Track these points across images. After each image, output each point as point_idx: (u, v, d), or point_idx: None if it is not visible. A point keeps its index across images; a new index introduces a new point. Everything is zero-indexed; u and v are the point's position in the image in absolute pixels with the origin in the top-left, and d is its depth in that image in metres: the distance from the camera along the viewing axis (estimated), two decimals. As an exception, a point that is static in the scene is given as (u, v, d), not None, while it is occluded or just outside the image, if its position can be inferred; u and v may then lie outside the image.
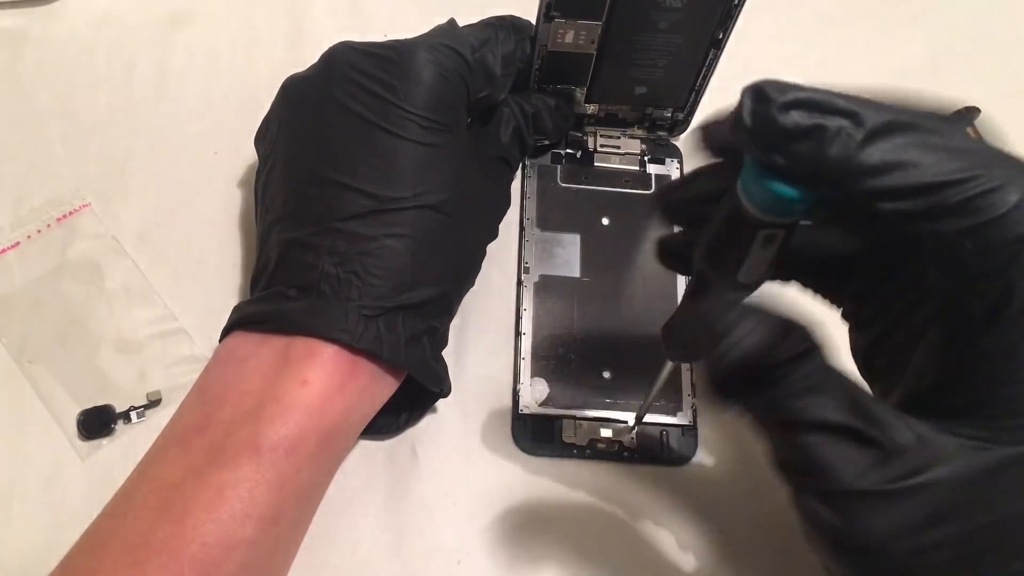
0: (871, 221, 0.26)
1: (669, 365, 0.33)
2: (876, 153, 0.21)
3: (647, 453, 0.39)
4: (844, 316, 0.31)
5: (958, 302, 0.24)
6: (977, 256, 0.22)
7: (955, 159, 0.21)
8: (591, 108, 0.44)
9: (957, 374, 0.25)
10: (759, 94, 0.22)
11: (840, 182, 0.22)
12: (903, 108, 0.22)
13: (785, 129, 0.21)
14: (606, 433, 0.39)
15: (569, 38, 0.39)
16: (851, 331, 0.30)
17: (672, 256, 0.32)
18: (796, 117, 0.21)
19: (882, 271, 0.29)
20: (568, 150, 0.46)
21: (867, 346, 0.29)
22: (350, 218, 0.33)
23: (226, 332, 0.35)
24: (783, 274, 0.31)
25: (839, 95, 0.22)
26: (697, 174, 0.30)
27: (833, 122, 0.21)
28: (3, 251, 0.41)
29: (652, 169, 0.46)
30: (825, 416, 0.24)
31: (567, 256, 0.43)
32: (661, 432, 0.39)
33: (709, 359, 0.25)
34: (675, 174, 0.46)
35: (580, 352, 0.41)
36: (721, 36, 0.39)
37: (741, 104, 0.22)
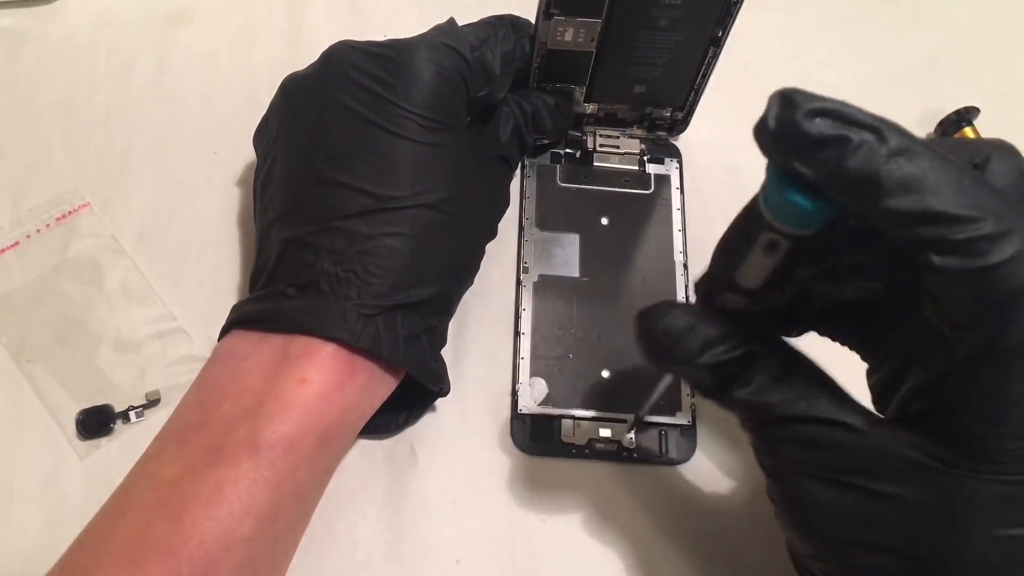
0: (875, 243, 0.27)
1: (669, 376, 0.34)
2: (897, 171, 0.22)
3: (646, 453, 0.39)
4: (863, 359, 0.31)
5: (944, 341, 0.24)
6: (967, 300, 0.22)
7: (967, 195, 0.22)
8: (590, 107, 0.44)
9: (933, 409, 0.25)
10: (786, 100, 0.22)
11: (858, 195, 0.22)
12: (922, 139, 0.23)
13: (809, 136, 0.22)
14: (605, 433, 0.39)
15: (568, 36, 0.39)
16: (868, 375, 0.31)
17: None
18: (821, 125, 0.22)
19: (892, 316, 0.29)
20: (567, 150, 0.46)
21: (878, 389, 0.30)
22: (349, 217, 0.33)
23: (225, 331, 0.35)
24: (799, 328, 0.31)
25: (864, 111, 0.22)
26: None
27: (857, 135, 0.22)
28: (2, 251, 0.41)
29: (651, 169, 0.46)
30: (785, 412, 0.27)
31: (566, 256, 0.43)
32: (660, 432, 0.39)
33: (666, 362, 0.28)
34: (674, 174, 0.46)
35: (579, 352, 0.41)
36: (720, 34, 0.39)
37: (768, 109, 0.22)
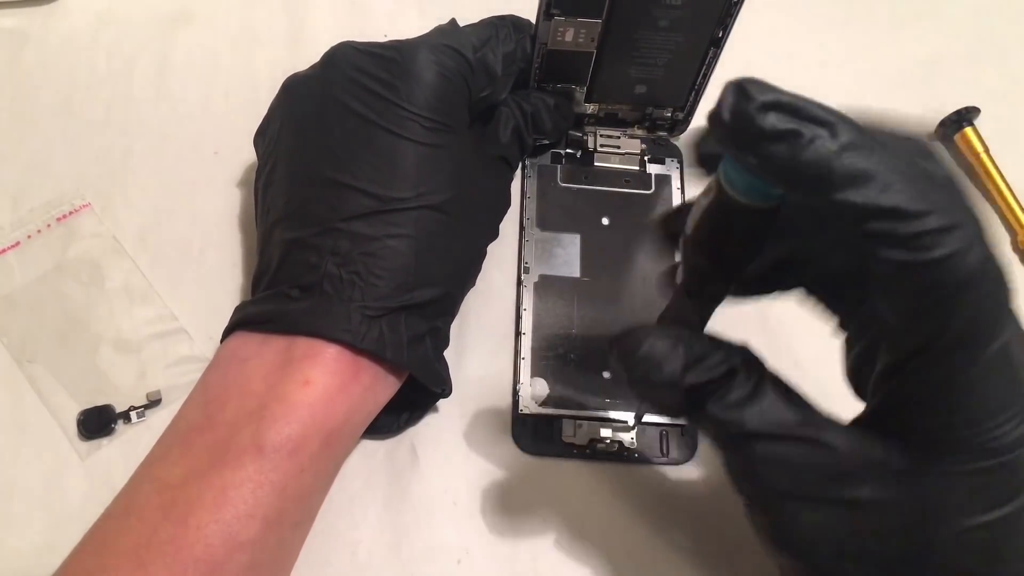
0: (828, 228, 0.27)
1: None
2: (848, 166, 0.22)
3: (647, 453, 0.39)
4: (839, 328, 0.31)
5: (896, 332, 0.24)
6: (913, 293, 0.23)
7: (916, 190, 0.22)
8: (591, 107, 0.44)
9: (895, 400, 0.26)
10: (740, 91, 0.22)
11: (809, 188, 0.22)
12: (876, 129, 0.23)
13: (762, 129, 0.22)
14: (606, 433, 0.39)
15: (569, 36, 0.39)
16: (844, 347, 0.31)
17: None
18: (774, 119, 0.22)
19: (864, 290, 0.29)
20: (568, 150, 0.46)
21: (852, 363, 0.30)
22: (352, 218, 0.33)
23: (228, 332, 0.35)
24: (791, 281, 0.31)
25: (818, 104, 0.22)
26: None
27: (809, 130, 0.22)
28: (3, 251, 0.41)
29: (652, 169, 0.46)
30: (758, 427, 0.26)
31: (567, 256, 0.43)
32: (661, 432, 0.39)
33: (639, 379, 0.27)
34: (675, 174, 0.46)
35: (580, 352, 0.41)
36: (721, 34, 0.39)
37: (722, 99, 0.22)
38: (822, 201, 0.22)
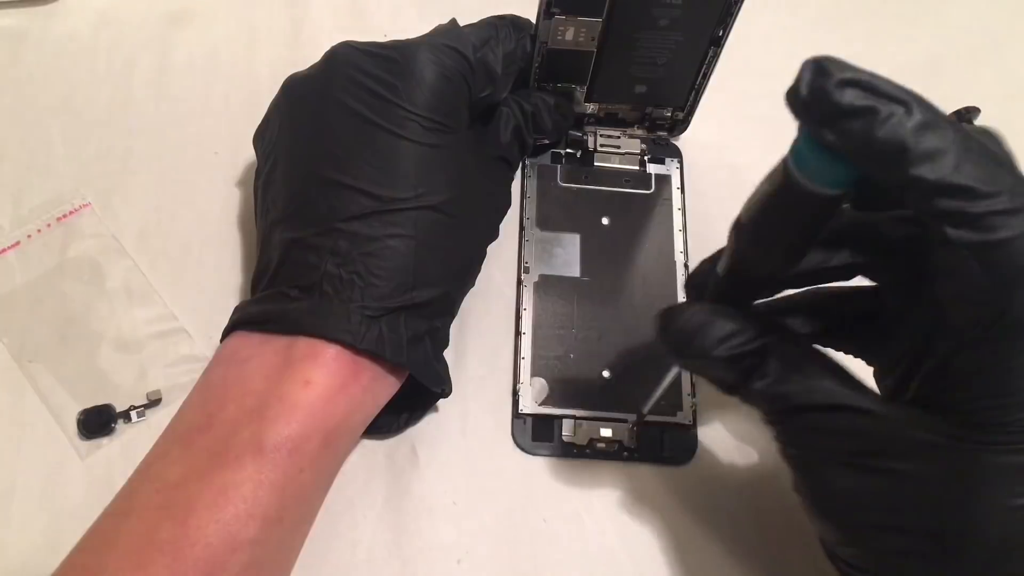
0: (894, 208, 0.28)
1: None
2: (922, 143, 0.22)
3: (647, 452, 0.39)
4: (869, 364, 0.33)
5: (952, 320, 0.25)
6: (977, 274, 0.23)
7: (986, 171, 0.22)
8: (591, 107, 0.44)
9: (943, 382, 0.26)
10: (819, 68, 0.23)
11: (883, 164, 0.23)
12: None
13: (840, 106, 0.22)
14: (606, 432, 0.39)
15: (569, 35, 0.39)
16: (876, 378, 0.32)
17: (698, 287, 0.33)
18: (851, 95, 0.22)
19: (892, 319, 0.30)
20: (568, 150, 0.46)
21: (890, 392, 0.31)
22: (352, 218, 0.33)
23: (228, 332, 0.35)
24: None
25: (893, 83, 0.23)
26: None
27: (886, 107, 0.22)
28: (3, 250, 0.41)
29: (652, 169, 0.46)
30: (803, 400, 0.28)
31: (567, 256, 0.43)
32: (660, 432, 0.39)
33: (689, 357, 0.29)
34: (675, 174, 0.46)
35: (580, 352, 0.41)
36: (721, 34, 0.39)
37: (800, 76, 0.23)
38: (896, 177, 0.23)
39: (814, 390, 0.28)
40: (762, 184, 0.27)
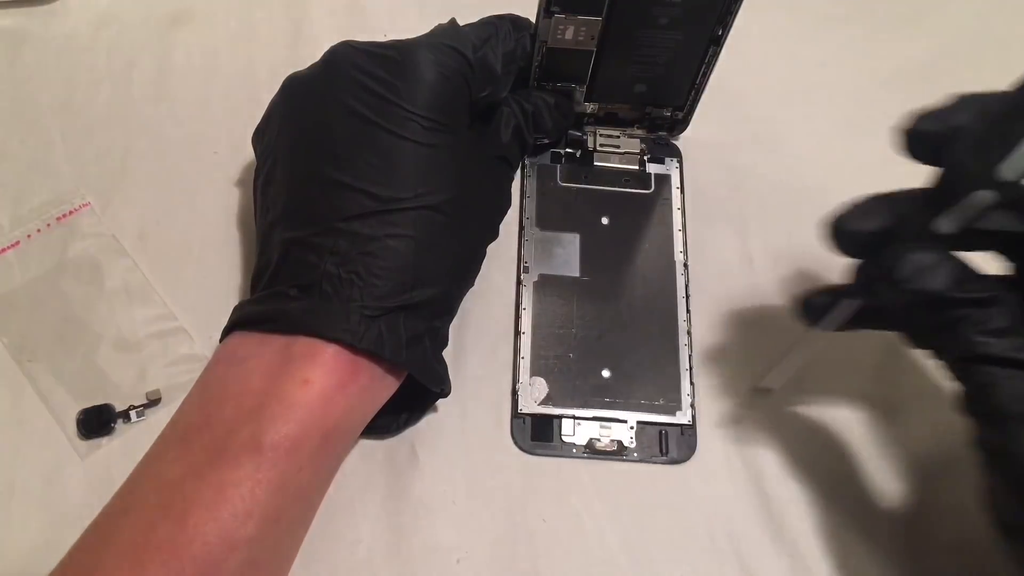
0: None
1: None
2: None
3: (646, 452, 0.39)
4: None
5: None
6: None
7: None
8: (591, 107, 0.44)
9: None
10: None
11: None
12: None
13: None
14: (605, 432, 0.39)
15: (569, 34, 0.39)
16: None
17: (817, 311, 0.33)
18: None
19: None
20: (568, 149, 0.46)
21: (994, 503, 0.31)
22: (352, 218, 0.33)
23: (227, 332, 0.35)
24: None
25: None
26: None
27: None
28: (3, 250, 0.41)
29: (652, 168, 0.46)
30: (1003, 353, 0.28)
31: (566, 255, 0.43)
32: (660, 432, 0.39)
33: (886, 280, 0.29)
34: (675, 174, 0.46)
35: (579, 351, 0.41)
36: (720, 33, 0.39)
37: None
38: None
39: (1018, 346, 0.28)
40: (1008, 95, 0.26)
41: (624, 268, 0.43)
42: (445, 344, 0.37)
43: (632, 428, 0.39)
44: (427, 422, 0.39)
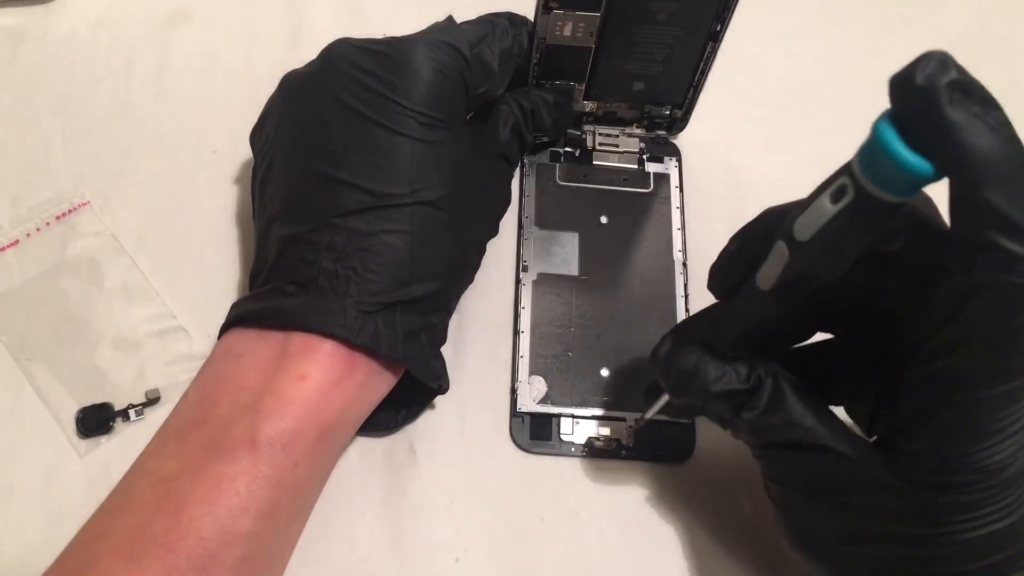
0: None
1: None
2: (1007, 165, 0.22)
3: (645, 451, 0.39)
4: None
5: (937, 356, 0.25)
6: (986, 316, 0.24)
7: None
8: (590, 106, 0.44)
9: (903, 423, 0.27)
10: (941, 63, 0.22)
11: (963, 174, 0.22)
12: None
13: (948, 106, 0.22)
14: (604, 431, 0.39)
15: (567, 31, 0.39)
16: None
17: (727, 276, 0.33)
18: (963, 99, 0.22)
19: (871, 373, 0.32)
20: (567, 148, 0.46)
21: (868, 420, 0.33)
22: (348, 214, 0.33)
23: (224, 328, 0.35)
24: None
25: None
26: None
27: (993, 119, 0.22)
28: (2, 249, 0.41)
29: (651, 167, 0.46)
30: (783, 435, 0.29)
31: (565, 254, 0.43)
32: (659, 430, 0.39)
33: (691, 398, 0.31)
34: (674, 173, 0.46)
35: (578, 350, 0.41)
36: (719, 28, 0.39)
37: (918, 64, 0.22)
38: (964, 191, 0.22)
39: (794, 426, 0.29)
40: (820, 202, 0.25)
41: (623, 267, 0.43)
42: (443, 340, 0.37)
43: (631, 427, 0.39)
44: (426, 421, 0.39)
